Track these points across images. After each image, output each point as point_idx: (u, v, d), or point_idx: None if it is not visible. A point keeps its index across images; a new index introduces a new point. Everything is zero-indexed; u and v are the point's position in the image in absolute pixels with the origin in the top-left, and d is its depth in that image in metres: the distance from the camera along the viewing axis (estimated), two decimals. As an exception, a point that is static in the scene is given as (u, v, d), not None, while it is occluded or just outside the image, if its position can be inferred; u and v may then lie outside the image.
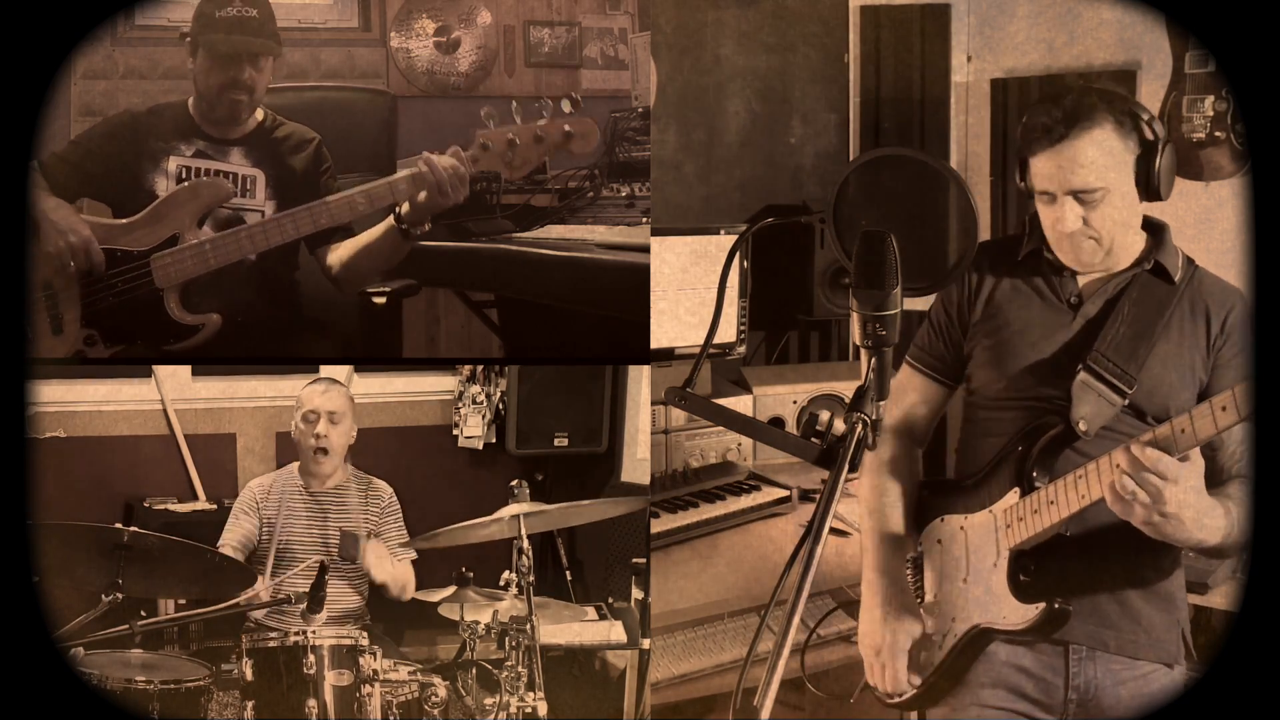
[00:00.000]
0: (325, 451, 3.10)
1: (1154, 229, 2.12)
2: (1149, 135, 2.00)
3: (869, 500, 2.26)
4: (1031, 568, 2.04)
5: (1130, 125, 2.00)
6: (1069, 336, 2.11)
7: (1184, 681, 2.12)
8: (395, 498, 3.21)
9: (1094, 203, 2.00)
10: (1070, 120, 1.98)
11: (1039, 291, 2.15)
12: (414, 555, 3.18)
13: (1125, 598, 2.07)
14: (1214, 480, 2.05)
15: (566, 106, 2.73)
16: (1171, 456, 1.83)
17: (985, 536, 2.10)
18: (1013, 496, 2.06)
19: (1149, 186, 2.01)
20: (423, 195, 2.67)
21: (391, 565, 3.08)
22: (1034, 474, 2.05)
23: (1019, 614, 2.02)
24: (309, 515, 3.11)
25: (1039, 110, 2.02)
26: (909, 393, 2.31)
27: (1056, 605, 2.00)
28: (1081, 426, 2.02)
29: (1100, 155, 1.98)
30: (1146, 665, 2.09)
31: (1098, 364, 2.04)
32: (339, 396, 3.13)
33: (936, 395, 2.30)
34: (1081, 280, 2.12)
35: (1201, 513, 1.88)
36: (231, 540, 3.07)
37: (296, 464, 3.17)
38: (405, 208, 2.70)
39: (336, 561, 2.98)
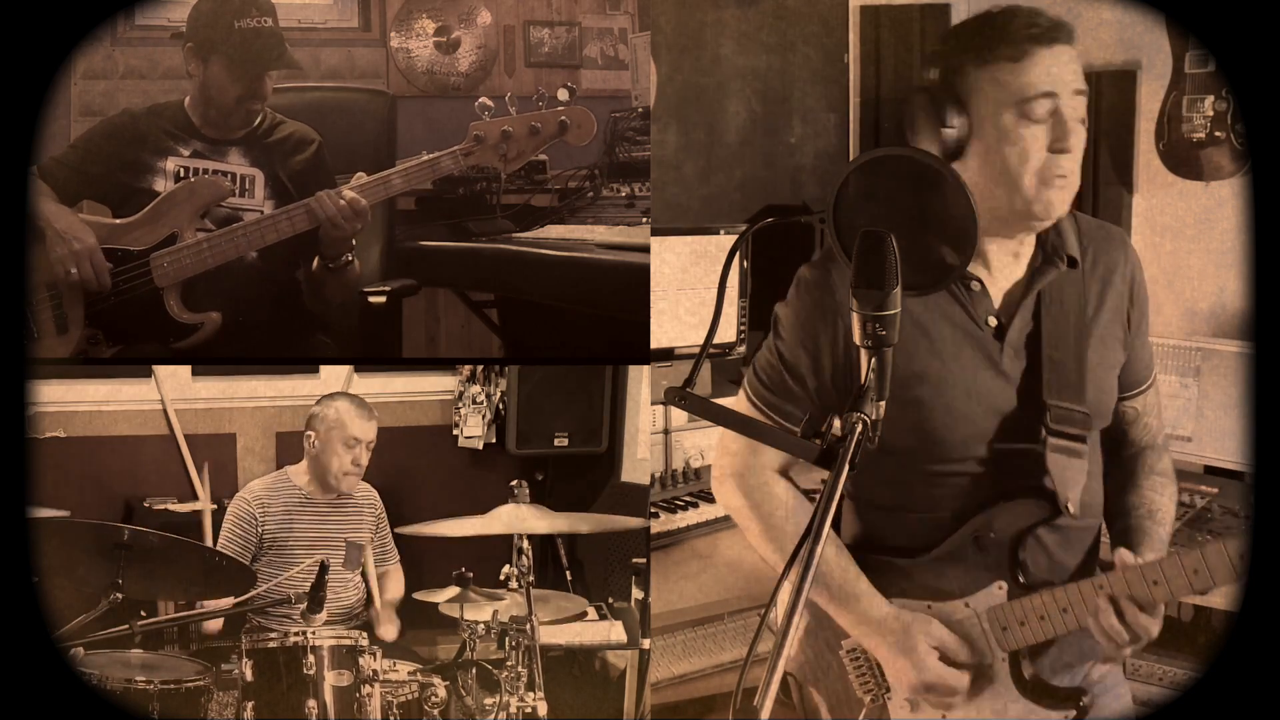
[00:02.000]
0: (359, 476, 3.12)
1: None
2: None
3: (785, 551, 1.98)
4: (1025, 658, 1.90)
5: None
6: (1002, 378, 1.87)
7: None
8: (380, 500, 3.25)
9: (1081, 116, 1.78)
10: (1066, 24, 1.78)
11: (950, 319, 1.88)
12: (396, 558, 3.26)
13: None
14: (1124, 451, 2.01)
15: (563, 94, 2.72)
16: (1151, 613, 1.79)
17: (966, 632, 1.92)
18: (998, 593, 1.89)
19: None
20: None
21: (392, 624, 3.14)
22: (1019, 572, 1.89)
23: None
24: (314, 525, 3.11)
25: (1023, 12, 1.77)
26: (764, 449, 1.99)
27: (1083, 702, 1.89)
28: (1072, 509, 1.87)
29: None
30: (1099, 666, 2.00)
31: (1060, 421, 1.85)
32: (374, 424, 3.14)
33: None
34: (995, 294, 1.89)
35: None
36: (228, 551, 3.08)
37: (291, 469, 3.16)
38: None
39: (339, 568, 2.99)
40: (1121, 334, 1.93)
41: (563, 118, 2.70)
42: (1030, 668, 1.92)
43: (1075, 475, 1.87)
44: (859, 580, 1.95)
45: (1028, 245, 1.91)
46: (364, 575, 3.15)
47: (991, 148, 1.82)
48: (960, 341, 1.89)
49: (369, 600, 3.17)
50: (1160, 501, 1.96)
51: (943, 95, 1.83)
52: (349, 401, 3.14)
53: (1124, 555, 1.82)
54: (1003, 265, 1.90)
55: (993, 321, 1.89)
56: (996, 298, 1.90)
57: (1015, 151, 1.80)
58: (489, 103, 2.71)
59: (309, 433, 3.11)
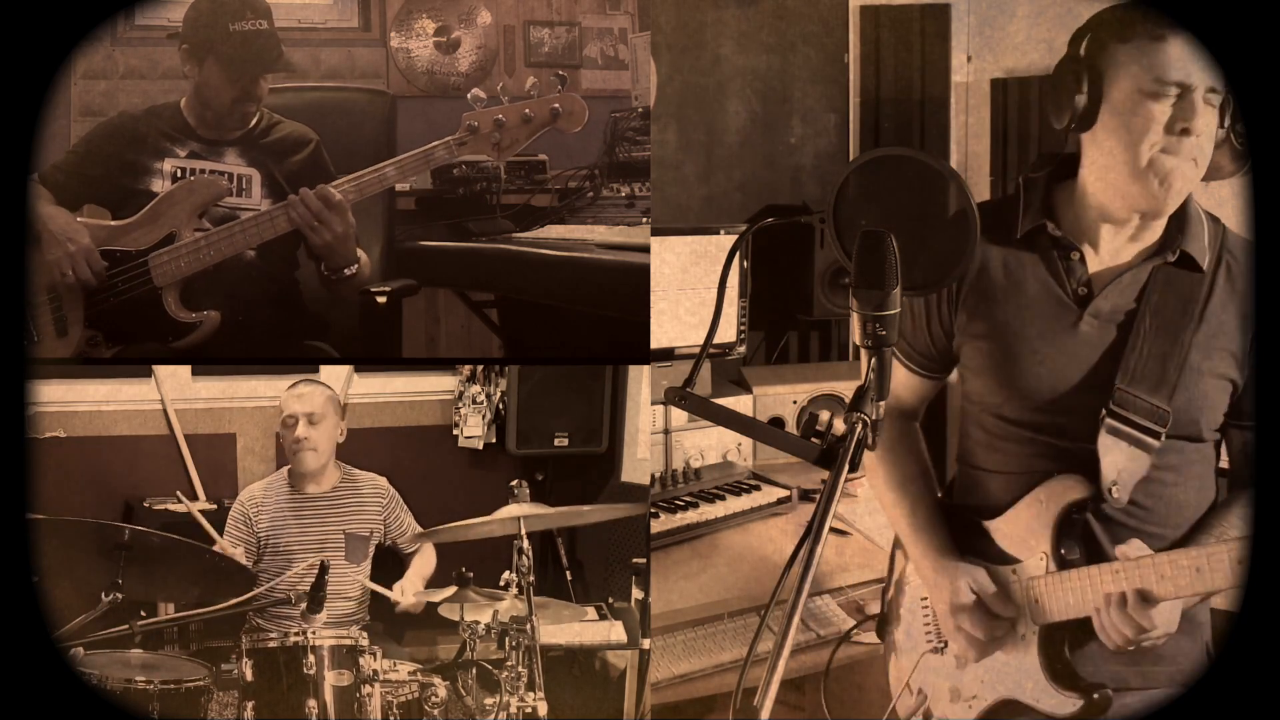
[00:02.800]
0: (313, 450, 3.09)
1: None
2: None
3: (887, 479, 2.12)
4: (1064, 641, 1.94)
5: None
6: (1077, 344, 1.92)
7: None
8: (392, 487, 3.23)
9: (1212, 114, 1.82)
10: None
11: (1038, 277, 1.95)
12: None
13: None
14: (1240, 483, 1.99)
15: (554, 83, 2.73)
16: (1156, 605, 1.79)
17: (1010, 594, 1.98)
18: (1039, 563, 1.94)
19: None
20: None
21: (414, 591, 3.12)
22: (1061, 546, 1.92)
23: (1057, 703, 1.92)
24: (307, 521, 3.11)
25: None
26: (900, 396, 2.09)
27: (1097, 696, 1.90)
28: (1115, 494, 1.89)
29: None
30: (1159, 692, 2.00)
31: (1124, 406, 1.86)
32: (317, 397, 3.11)
33: (923, 387, 2.11)
34: (1091, 267, 1.94)
35: (1178, 607, 1.83)
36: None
37: (287, 469, 3.17)
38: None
39: (343, 562, 2.99)
40: (1238, 342, 1.91)
41: (555, 105, 2.71)
42: (1063, 661, 1.94)
43: (1129, 464, 1.87)
44: (936, 512, 2.08)
45: (1148, 234, 1.93)
46: (381, 568, 3.15)
47: (1119, 119, 1.85)
48: (1044, 301, 1.94)
49: (376, 603, 3.17)
50: (1235, 533, 1.92)
51: (1083, 64, 1.86)
52: (298, 384, 3.14)
53: (1130, 546, 1.83)
54: (1112, 247, 1.93)
55: (1082, 291, 1.93)
56: (1097, 277, 1.94)
57: (1138, 122, 1.83)
58: (482, 94, 2.71)
59: (277, 432, 3.13)
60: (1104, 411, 1.88)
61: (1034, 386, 1.94)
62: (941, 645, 2.09)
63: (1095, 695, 1.90)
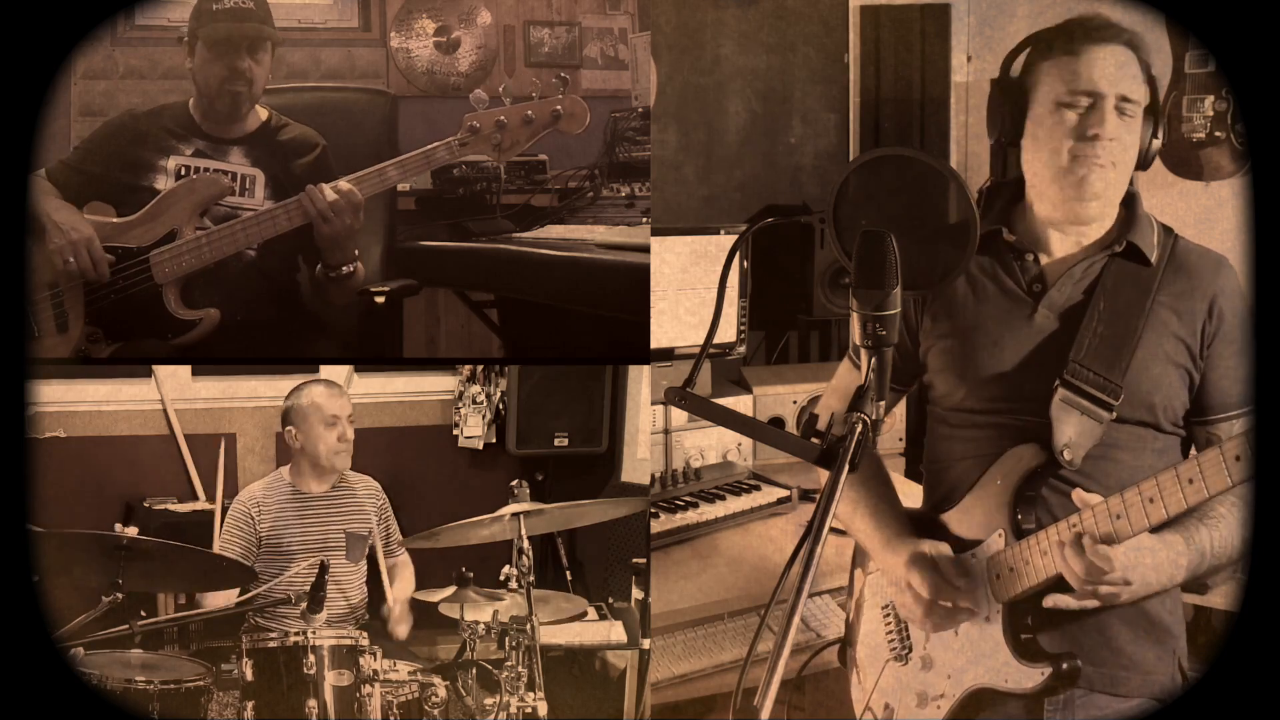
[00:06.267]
0: (349, 451, 3.10)
1: (1124, 200, 1.98)
2: (1153, 94, 1.95)
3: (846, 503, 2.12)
4: (1029, 620, 1.93)
5: (1146, 75, 1.94)
6: (1032, 333, 1.97)
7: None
8: (382, 490, 3.24)
9: (1129, 121, 1.89)
10: (1133, 31, 1.91)
11: (995, 279, 2.01)
12: (405, 551, 3.23)
13: (1110, 631, 1.95)
14: None
15: (557, 85, 2.73)
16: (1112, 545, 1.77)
17: (971, 574, 1.97)
18: (997, 540, 1.94)
19: (1147, 150, 1.94)
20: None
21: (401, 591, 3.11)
22: (1019, 515, 1.92)
23: (1025, 677, 1.91)
24: (307, 520, 3.11)
25: (1091, 15, 1.92)
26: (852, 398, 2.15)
27: (1065, 666, 1.88)
28: (1066, 456, 1.89)
29: (1141, 76, 1.92)
30: (1130, 701, 1.97)
31: (1077, 377, 1.89)
32: (347, 399, 3.13)
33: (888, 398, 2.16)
34: (1044, 263, 1.99)
35: (1149, 569, 1.81)
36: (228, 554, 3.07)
37: (285, 469, 3.16)
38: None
39: (342, 562, 2.99)
40: (1190, 338, 1.94)
41: (556, 106, 2.71)
42: (1029, 633, 1.92)
43: (1080, 429, 1.90)
44: (899, 508, 2.09)
45: (1095, 230, 1.99)
46: (377, 570, 3.14)
47: (1041, 128, 1.94)
48: (1001, 298, 2.00)
49: (375, 603, 3.16)
50: (1202, 531, 1.89)
51: (1010, 83, 1.98)
52: (316, 384, 3.14)
53: (1081, 495, 1.83)
54: (1062, 249, 2.00)
55: (1036, 288, 1.99)
56: (1050, 273, 2.00)
57: (1055, 129, 1.92)
58: (484, 95, 2.72)
59: (288, 428, 3.11)
60: (1057, 382, 1.91)
61: (992, 375, 1.99)
62: (905, 651, 2.07)
63: (1064, 665, 1.89)
